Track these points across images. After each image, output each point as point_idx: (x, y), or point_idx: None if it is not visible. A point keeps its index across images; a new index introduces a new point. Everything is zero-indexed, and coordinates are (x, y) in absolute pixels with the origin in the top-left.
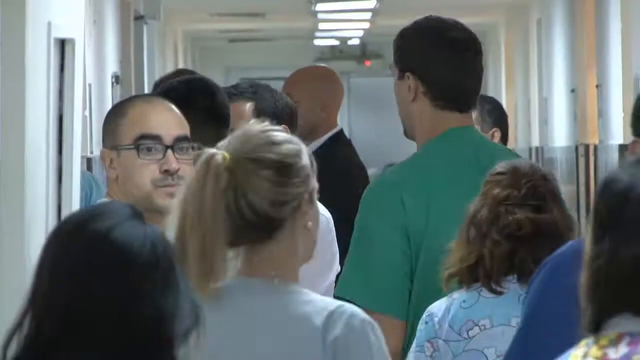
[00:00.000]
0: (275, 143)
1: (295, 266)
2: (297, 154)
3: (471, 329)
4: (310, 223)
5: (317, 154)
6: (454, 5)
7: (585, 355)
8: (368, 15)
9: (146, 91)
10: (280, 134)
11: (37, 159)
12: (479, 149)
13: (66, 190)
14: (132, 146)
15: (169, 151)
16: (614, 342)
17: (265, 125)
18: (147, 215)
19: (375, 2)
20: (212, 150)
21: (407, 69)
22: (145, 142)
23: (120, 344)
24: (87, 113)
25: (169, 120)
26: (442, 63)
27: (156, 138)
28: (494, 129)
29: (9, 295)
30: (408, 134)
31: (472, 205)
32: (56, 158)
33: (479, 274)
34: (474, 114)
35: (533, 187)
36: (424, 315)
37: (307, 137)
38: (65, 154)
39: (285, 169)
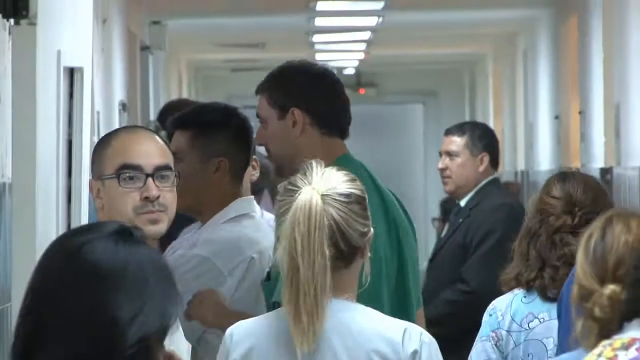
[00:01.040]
0: (354, 180)
1: (356, 291)
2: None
3: (531, 321)
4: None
5: None
6: (443, 36)
7: (600, 354)
8: (363, 46)
9: (151, 117)
10: (349, 173)
11: (48, 180)
12: (368, 170)
13: (75, 210)
14: (114, 175)
15: (149, 179)
16: (626, 346)
17: (332, 167)
18: None
19: (370, 33)
20: (307, 187)
21: (291, 104)
22: (126, 171)
23: (80, 345)
24: (95, 139)
25: (150, 150)
26: (324, 96)
27: (137, 168)
28: (483, 154)
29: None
30: (286, 171)
31: (527, 221)
32: (66, 180)
33: (536, 284)
34: (464, 139)
35: (584, 214)
36: (488, 308)
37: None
38: (74, 176)
39: (365, 203)
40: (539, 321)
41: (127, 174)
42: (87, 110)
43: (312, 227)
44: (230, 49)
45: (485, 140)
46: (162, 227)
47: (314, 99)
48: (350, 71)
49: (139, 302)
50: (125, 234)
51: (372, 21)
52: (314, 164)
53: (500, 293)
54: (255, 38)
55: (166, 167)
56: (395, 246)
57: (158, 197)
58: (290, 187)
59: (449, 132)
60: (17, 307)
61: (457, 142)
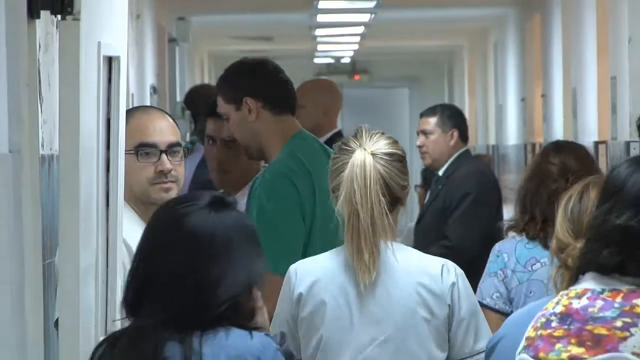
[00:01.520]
0: (395, 142)
1: (395, 233)
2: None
3: (534, 264)
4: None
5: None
6: (426, 30)
7: (557, 302)
8: (357, 38)
9: (178, 99)
10: (391, 136)
11: (90, 152)
12: (319, 142)
13: (113, 177)
14: (133, 152)
15: (163, 155)
16: (579, 295)
17: (376, 130)
18: (144, 207)
19: (363, 28)
20: (359, 148)
21: (242, 95)
22: (143, 148)
23: (176, 303)
24: None
25: (163, 129)
26: (267, 81)
27: (152, 145)
28: (453, 130)
29: (67, 265)
30: (254, 153)
31: (525, 183)
32: (105, 152)
33: (540, 236)
34: (436, 119)
35: (576, 179)
36: (495, 250)
37: (318, 130)
38: (112, 149)
39: (405, 161)
40: (541, 265)
41: (144, 151)
42: (123, 93)
43: (368, 180)
44: (244, 42)
45: (454, 119)
46: (172, 195)
47: (260, 85)
48: (346, 60)
49: (226, 266)
50: (218, 203)
51: (366, 17)
52: (363, 128)
53: (476, 245)
54: (265, 32)
55: (177, 144)
56: None
57: (170, 170)
58: (344, 147)
59: (423, 114)
60: (64, 262)
61: (430, 122)
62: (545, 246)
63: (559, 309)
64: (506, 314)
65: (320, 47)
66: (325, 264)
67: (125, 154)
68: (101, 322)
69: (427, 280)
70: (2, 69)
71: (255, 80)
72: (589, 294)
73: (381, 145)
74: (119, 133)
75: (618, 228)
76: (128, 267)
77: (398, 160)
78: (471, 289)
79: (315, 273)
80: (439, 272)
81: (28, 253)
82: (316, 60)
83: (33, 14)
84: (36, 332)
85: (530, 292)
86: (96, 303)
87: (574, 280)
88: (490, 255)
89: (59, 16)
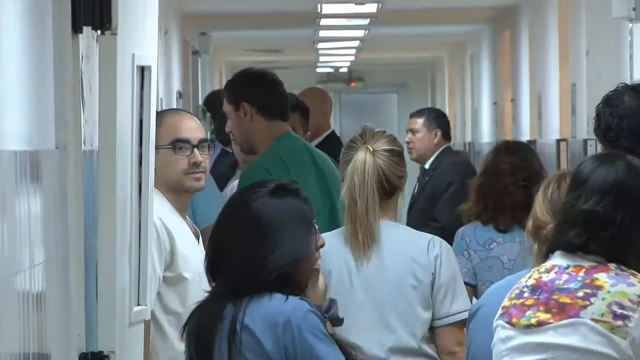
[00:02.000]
0: (394, 140)
1: (397, 214)
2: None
3: (491, 244)
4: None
5: (318, 148)
6: (412, 44)
7: (530, 277)
8: (353, 51)
9: (199, 103)
10: (391, 134)
11: (125, 148)
12: (303, 141)
13: (145, 171)
14: (170, 146)
15: (195, 149)
16: (548, 270)
17: (377, 128)
18: (176, 194)
19: (359, 42)
20: (363, 146)
21: (242, 99)
22: (179, 143)
23: (236, 273)
24: None
25: (193, 128)
26: (263, 90)
27: (186, 141)
28: (437, 130)
29: (105, 245)
30: (246, 149)
31: (480, 177)
32: (138, 149)
33: (492, 221)
34: (423, 120)
35: (521, 175)
36: (458, 234)
37: (314, 135)
38: (144, 146)
39: (402, 155)
40: (497, 244)
41: (179, 145)
42: (153, 97)
43: (367, 175)
44: (257, 54)
45: (438, 120)
46: (203, 183)
47: (256, 93)
48: (344, 69)
49: (274, 243)
50: (279, 190)
51: (361, 33)
52: (367, 129)
53: (461, 225)
54: (274, 45)
55: (205, 140)
56: (325, 192)
57: (201, 162)
58: (351, 144)
59: (412, 115)
60: (102, 242)
61: (417, 122)
62: (498, 229)
63: (531, 282)
64: (473, 286)
65: (321, 59)
66: (331, 240)
67: (161, 148)
68: (134, 291)
69: (416, 253)
70: (49, 77)
71: (254, 89)
72: (556, 269)
73: (381, 142)
74: (150, 131)
75: (584, 212)
76: (167, 246)
77: (396, 155)
78: (455, 260)
79: (328, 243)
80: (426, 246)
81: (72, 235)
82: (318, 70)
83: (77, 29)
84: (78, 302)
85: (489, 267)
86: (130, 276)
87: (545, 257)
88: (455, 238)
89: (98, 31)
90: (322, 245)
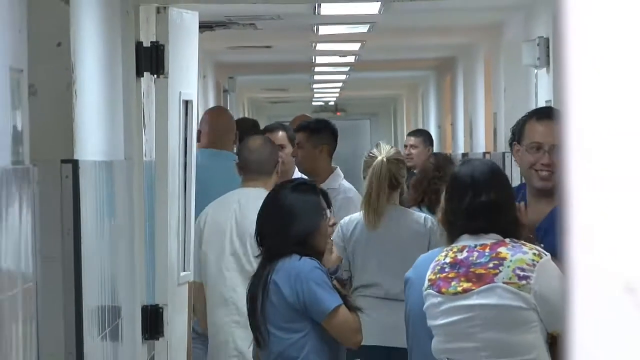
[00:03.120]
0: (398, 151)
1: (398, 201)
2: None
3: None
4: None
5: None
6: (379, 84)
7: (446, 255)
8: (338, 89)
9: None
10: (395, 148)
11: (174, 159)
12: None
13: (189, 175)
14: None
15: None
16: (460, 250)
17: (387, 144)
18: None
19: (342, 83)
20: (380, 155)
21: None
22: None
23: (272, 241)
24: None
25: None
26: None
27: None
28: (430, 147)
29: (160, 227)
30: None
31: (417, 175)
32: (183, 158)
33: (425, 204)
34: (419, 139)
35: (440, 173)
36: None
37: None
38: (188, 159)
39: (404, 163)
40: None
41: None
42: (194, 123)
43: (382, 177)
44: (269, 92)
45: (430, 139)
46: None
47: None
48: (332, 102)
49: (295, 222)
50: (299, 186)
51: (343, 77)
52: (381, 143)
53: None
54: (282, 86)
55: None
56: None
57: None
58: (370, 154)
59: (410, 134)
60: (158, 225)
61: (417, 140)
62: (432, 211)
63: (449, 260)
64: None
65: (315, 95)
66: (355, 217)
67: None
68: (181, 260)
69: (416, 225)
70: (120, 107)
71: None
72: (467, 248)
73: (391, 153)
74: (192, 147)
75: (482, 204)
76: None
77: (401, 162)
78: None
79: (352, 222)
80: (422, 220)
81: (137, 220)
82: (313, 103)
83: (139, 74)
84: (141, 268)
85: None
86: (178, 249)
87: (453, 240)
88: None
89: (155, 75)
90: (334, 225)
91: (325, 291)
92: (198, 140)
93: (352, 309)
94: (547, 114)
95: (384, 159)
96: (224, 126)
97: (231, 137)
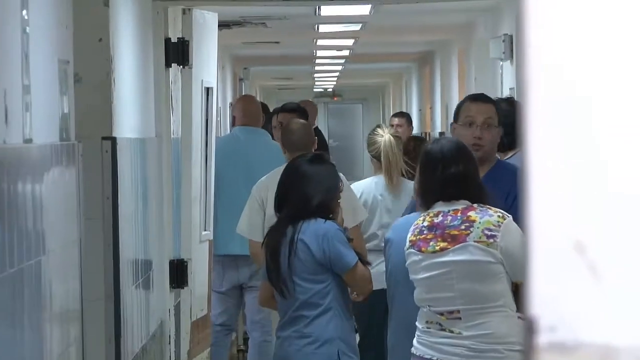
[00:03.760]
0: (397, 130)
1: None
2: None
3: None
4: None
5: None
6: (369, 74)
7: (424, 220)
8: (336, 77)
9: None
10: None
11: (196, 137)
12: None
13: (209, 153)
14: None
15: None
16: (436, 215)
17: (386, 125)
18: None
19: (339, 72)
20: (385, 133)
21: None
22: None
23: (293, 206)
24: (217, 119)
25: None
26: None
27: None
28: (411, 126)
29: (185, 196)
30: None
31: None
32: (204, 137)
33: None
34: (402, 120)
35: (415, 150)
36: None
37: None
38: (208, 137)
39: (400, 139)
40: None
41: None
42: (214, 107)
43: (392, 146)
44: (277, 80)
45: (411, 120)
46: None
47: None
48: (330, 89)
49: (315, 189)
50: (314, 158)
51: (339, 67)
52: (382, 124)
53: None
54: (288, 75)
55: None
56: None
57: None
58: (375, 132)
59: (395, 115)
60: (183, 192)
61: (401, 120)
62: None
63: (426, 223)
64: None
65: (316, 83)
66: (366, 183)
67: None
68: (202, 222)
69: (412, 192)
70: (151, 93)
71: None
72: (442, 213)
73: (392, 132)
74: (212, 128)
75: (452, 175)
76: None
77: (399, 138)
78: None
79: (362, 186)
80: (410, 196)
81: (166, 187)
82: (314, 89)
83: (168, 65)
84: (169, 227)
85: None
86: (199, 212)
87: (428, 207)
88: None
89: (181, 66)
90: (341, 191)
91: (347, 249)
92: (233, 123)
93: (364, 263)
94: (479, 98)
95: (389, 135)
96: (255, 109)
97: (260, 117)
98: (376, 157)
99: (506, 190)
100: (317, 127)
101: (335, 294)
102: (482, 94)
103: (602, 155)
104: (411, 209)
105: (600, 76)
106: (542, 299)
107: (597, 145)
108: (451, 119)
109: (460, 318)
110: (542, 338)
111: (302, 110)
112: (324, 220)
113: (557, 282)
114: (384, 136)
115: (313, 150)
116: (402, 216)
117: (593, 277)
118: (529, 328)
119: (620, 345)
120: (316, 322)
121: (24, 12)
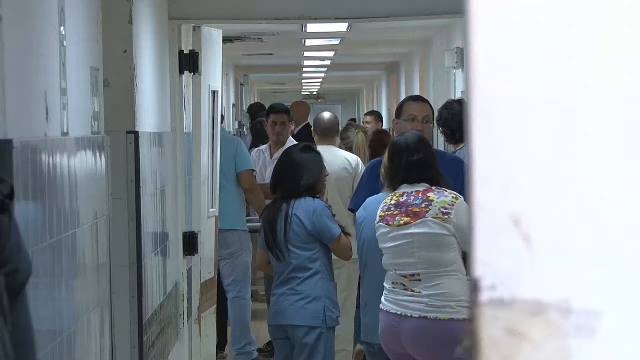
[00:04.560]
0: (365, 128)
1: None
2: None
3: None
4: None
5: (300, 130)
6: (346, 80)
7: (391, 199)
8: (319, 82)
9: (244, 109)
10: (362, 126)
11: (205, 131)
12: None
13: (215, 145)
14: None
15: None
16: (401, 195)
17: (357, 124)
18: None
19: (322, 78)
20: (357, 131)
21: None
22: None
23: (285, 187)
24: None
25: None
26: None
27: None
28: (380, 122)
29: (195, 180)
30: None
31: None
32: (211, 130)
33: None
34: (372, 117)
35: (383, 140)
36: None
37: (297, 123)
38: (214, 131)
39: (366, 133)
40: None
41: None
42: (219, 107)
43: (363, 142)
44: (271, 85)
45: (380, 116)
46: None
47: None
48: (315, 92)
49: (304, 173)
50: (304, 148)
51: (322, 74)
52: (353, 122)
53: None
54: (280, 81)
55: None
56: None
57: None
58: (348, 129)
59: (367, 114)
60: (193, 178)
61: (371, 119)
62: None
63: (393, 202)
64: None
65: (304, 87)
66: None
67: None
68: (210, 200)
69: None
70: (167, 95)
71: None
72: (406, 194)
73: (361, 129)
74: (217, 125)
75: (417, 161)
76: None
77: (365, 133)
78: None
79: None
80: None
81: (179, 173)
82: (302, 92)
83: (181, 72)
84: (182, 205)
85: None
86: (207, 193)
87: (394, 188)
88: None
89: (192, 73)
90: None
91: (332, 222)
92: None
93: (345, 234)
94: (419, 98)
95: (361, 132)
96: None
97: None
98: (348, 148)
99: (452, 176)
100: (308, 123)
101: (322, 259)
102: (420, 96)
103: (530, 145)
104: (367, 180)
105: (524, 77)
106: (484, 263)
107: (531, 138)
108: None
109: (420, 280)
110: (484, 295)
111: (288, 110)
112: (312, 198)
113: (497, 249)
114: (358, 135)
115: (337, 135)
116: (355, 188)
117: (526, 245)
118: (473, 287)
119: (548, 300)
120: (306, 282)
121: (62, 28)
